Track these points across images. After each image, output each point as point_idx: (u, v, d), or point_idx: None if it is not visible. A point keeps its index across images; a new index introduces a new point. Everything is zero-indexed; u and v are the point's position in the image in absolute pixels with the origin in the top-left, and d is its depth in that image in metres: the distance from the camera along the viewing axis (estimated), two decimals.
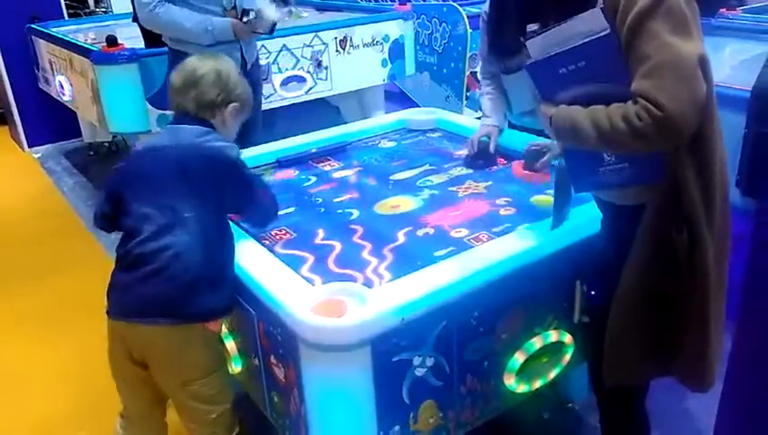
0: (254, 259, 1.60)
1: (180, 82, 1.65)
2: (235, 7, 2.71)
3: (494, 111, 2.26)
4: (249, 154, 2.32)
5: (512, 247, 1.58)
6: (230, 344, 1.77)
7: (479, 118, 2.37)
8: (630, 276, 1.41)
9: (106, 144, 5.11)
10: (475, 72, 4.90)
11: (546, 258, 1.59)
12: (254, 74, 2.86)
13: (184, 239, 1.52)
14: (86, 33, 4.63)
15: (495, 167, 2.22)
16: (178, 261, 1.50)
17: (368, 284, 1.53)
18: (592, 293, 1.70)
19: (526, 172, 1.91)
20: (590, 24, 1.22)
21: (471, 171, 2.20)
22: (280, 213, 1.83)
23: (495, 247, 1.60)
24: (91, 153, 5.14)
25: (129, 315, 1.54)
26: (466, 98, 4.92)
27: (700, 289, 1.36)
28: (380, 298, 1.38)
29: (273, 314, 1.44)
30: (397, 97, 5.23)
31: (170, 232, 1.52)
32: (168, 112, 3.48)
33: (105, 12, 5.98)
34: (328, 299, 1.38)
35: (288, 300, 1.39)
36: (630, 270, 1.41)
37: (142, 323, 1.52)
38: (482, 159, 2.20)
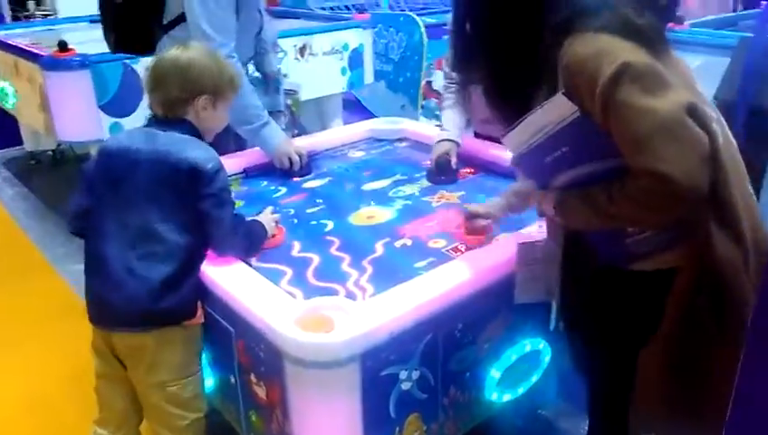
0: (232, 274, 1.55)
1: (147, 85, 1.59)
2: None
3: (453, 124, 2.26)
4: None
5: (493, 257, 1.59)
6: None
7: (438, 125, 2.36)
8: (659, 355, 1.26)
9: (50, 152, 4.89)
10: (431, 82, 4.95)
11: None
12: None
13: (152, 250, 1.48)
14: (31, 37, 4.43)
15: (460, 179, 2.21)
16: (144, 269, 1.47)
17: (350, 297, 1.50)
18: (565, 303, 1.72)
19: (470, 237, 1.76)
20: (557, 110, 1.15)
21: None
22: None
23: (477, 257, 1.60)
24: (33, 162, 4.91)
25: (103, 323, 1.54)
26: (422, 107, 4.95)
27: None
28: (369, 312, 1.36)
29: (257, 330, 1.40)
30: (352, 106, 5.20)
31: (138, 240, 1.49)
32: (121, 121, 3.44)
33: (46, 16, 5.73)
34: (315, 314, 1.34)
35: (273, 316, 1.35)
36: (659, 347, 1.26)
37: (115, 331, 1.52)
38: (443, 174, 2.19)
